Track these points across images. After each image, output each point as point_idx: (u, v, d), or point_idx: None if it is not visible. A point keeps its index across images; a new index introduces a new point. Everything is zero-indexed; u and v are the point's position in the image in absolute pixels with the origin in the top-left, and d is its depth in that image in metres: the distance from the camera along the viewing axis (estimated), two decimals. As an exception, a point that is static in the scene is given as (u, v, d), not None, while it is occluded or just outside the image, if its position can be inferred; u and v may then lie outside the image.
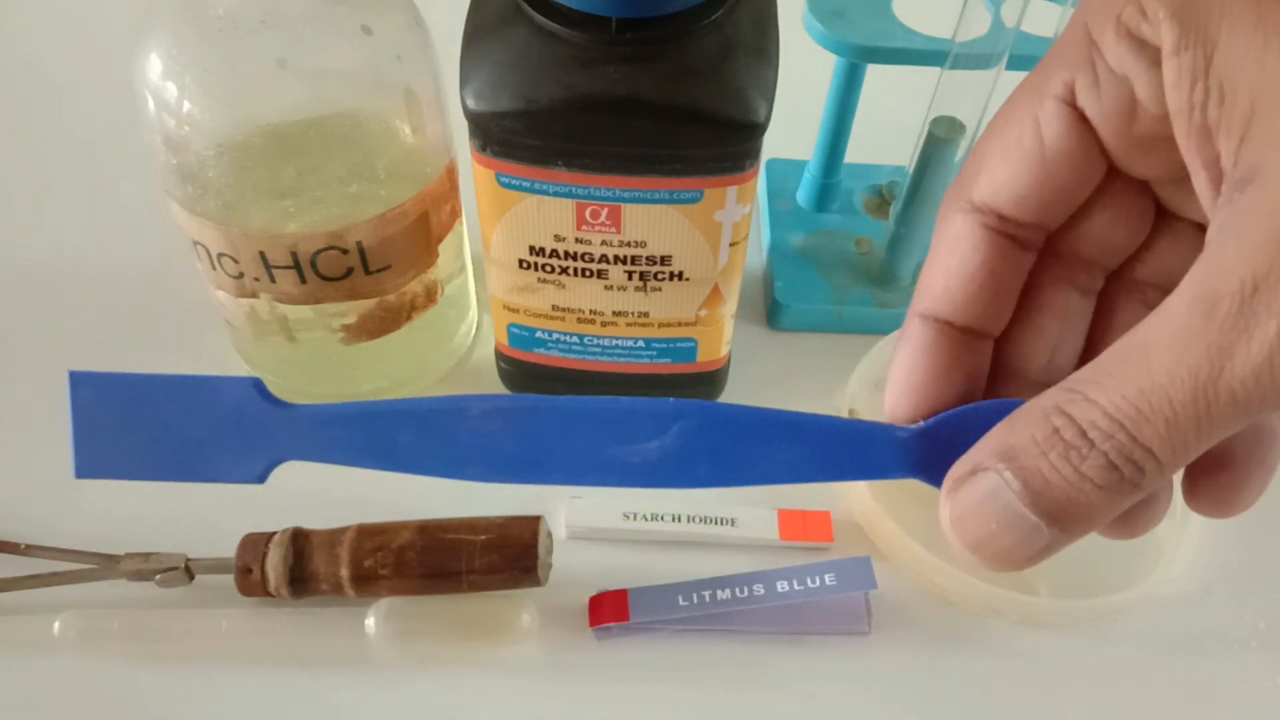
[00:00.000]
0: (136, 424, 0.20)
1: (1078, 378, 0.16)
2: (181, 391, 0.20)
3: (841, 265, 0.43)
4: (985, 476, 0.17)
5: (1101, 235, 0.19)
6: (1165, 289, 0.19)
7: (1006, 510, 0.16)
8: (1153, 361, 0.15)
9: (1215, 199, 0.16)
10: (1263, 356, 0.14)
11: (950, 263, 0.19)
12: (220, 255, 0.32)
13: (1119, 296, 0.20)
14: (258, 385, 0.19)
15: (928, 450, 0.19)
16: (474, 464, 0.19)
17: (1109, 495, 0.16)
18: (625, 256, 0.32)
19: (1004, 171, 0.18)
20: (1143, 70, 0.16)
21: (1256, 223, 0.14)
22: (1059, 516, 0.16)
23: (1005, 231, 0.18)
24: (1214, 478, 0.18)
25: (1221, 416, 0.14)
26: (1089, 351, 0.20)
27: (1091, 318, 0.20)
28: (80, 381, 0.20)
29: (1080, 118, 0.17)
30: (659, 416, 0.19)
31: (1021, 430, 0.16)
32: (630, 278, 0.33)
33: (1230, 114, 0.15)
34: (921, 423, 0.19)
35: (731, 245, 0.32)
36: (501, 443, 0.19)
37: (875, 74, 0.40)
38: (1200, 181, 0.16)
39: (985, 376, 0.20)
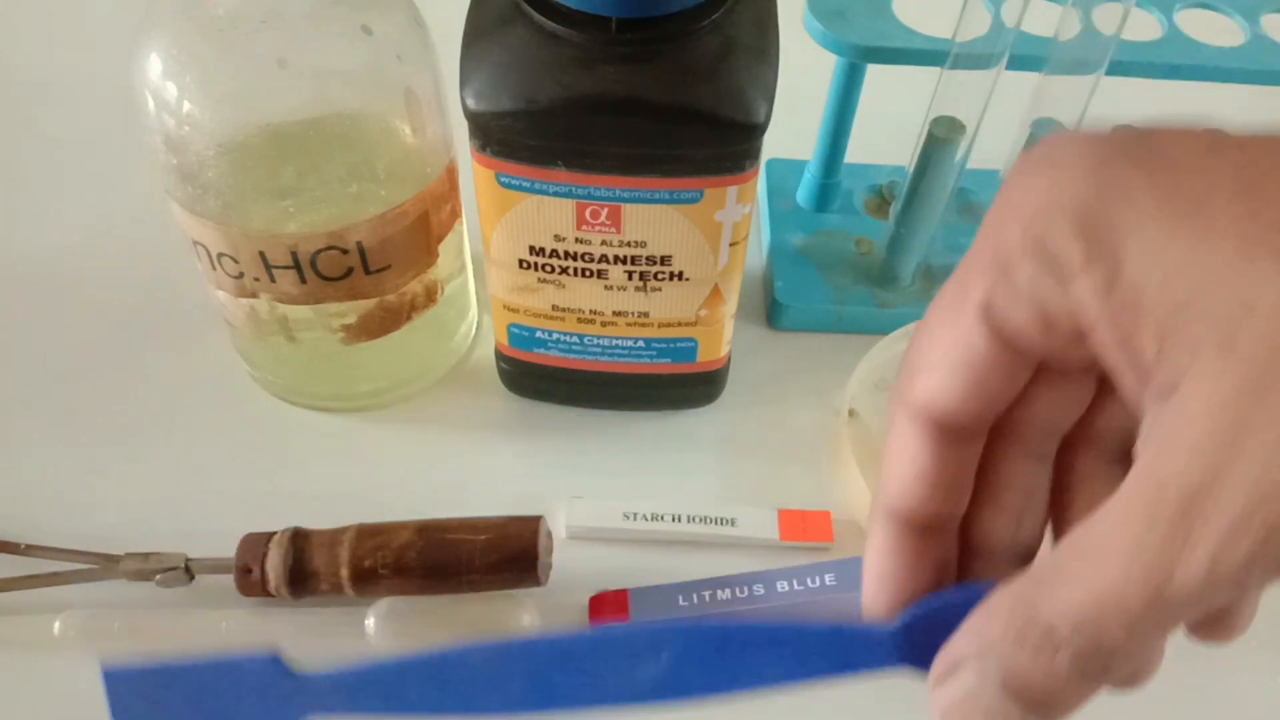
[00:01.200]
0: (169, 709, 0.22)
1: (1040, 573, 0.17)
2: (207, 674, 0.21)
3: (841, 265, 0.43)
4: (965, 674, 0.17)
5: (1046, 411, 0.20)
6: (1120, 437, 0.20)
7: (990, 705, 0.17)
8: (1106, 564, 0.15)
9: (1144, 393, 0.16)
10: (1205, 567, 0.14)
11: (901, 463, 0.19)
12: (220, 255, 0.32)
13: (1077, 450, 0.21)
14: (275, 662, 0.20)
15: (911, 643, 0.19)
16: (485, 705, 0.20)
17: (1086, 684, 0.16)
18: (625, 256, 0.32)
19: (937, 379, 0.18)
20: (1055, 284, 0.16)
21: (1184, 436, 0.15)
22: (1040, 706, 0.17)
23: (948, 429, 0.19)
24: (1203, 619, 0.18)
25: (1178, 613, 0.15)
26: (1056, 510, 0.21)
27: (1053, 476, 0.21)
28: (114, 679, 0.22)
29: (1002, 327, 0.18)
30: (647, 645, 0.20)
31: (995, 623, 0.17)
32: (630, 278, 0.33)
33: (1146, 324, 0.15)
34: (899, 618, 0.19)
35: (731, 245, 0.32)
36: (508, 683, 0.20)
37: (875, 74, 0.40)
38: (1127, 381, 0.16)
39: (954, 558, 0.21)
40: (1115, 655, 0.16)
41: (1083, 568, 0.16)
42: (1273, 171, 0.15)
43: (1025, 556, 0.20)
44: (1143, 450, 0.15)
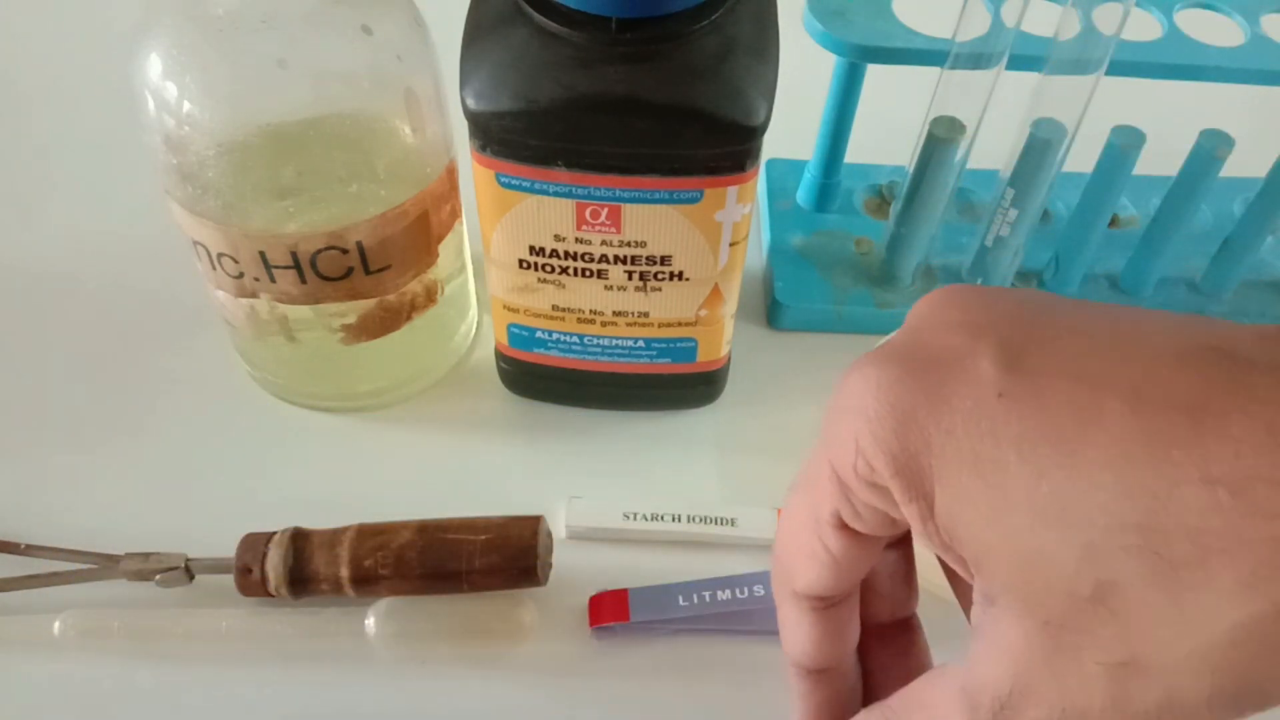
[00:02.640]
0: None
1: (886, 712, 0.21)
2: None
3: (841, 265, 0.43)
4: None
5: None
6: None
7: None
8: None
9: (973, 587, 0.18)
10: None
11: (796, 634, 0.23)
12: (220, 255, 0.32)
13: None
14: None
15: None
16: None
17: None
18: (625, 256, 0.32)
19: (811, 575, 0.21)
20: (890, 503, 0.19)
21: (1002, 651, 0.17)
22: None
23: (828, 601, 0.22)
24: None
25: None
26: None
27: None
28: None
29: (855, 531, 0.20)
30: None
31: None
32: (630, 278, 0.33)
33: (963, 552, 0.18)
34: None
35: (731, 245, 0.32)
36: None
37: (875, 74, 0.40)
38: (962, 571, 0.18)
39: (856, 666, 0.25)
40: None
41: None
42: (1054, 425, 0.16)
43: (905, 624, 0.25)
44: (973, 637, 0.18)
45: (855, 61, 0.39)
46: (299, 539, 0.32)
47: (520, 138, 0.29)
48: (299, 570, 0.31)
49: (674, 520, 0.35)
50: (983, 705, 0.17)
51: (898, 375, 0.18)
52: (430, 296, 0.36)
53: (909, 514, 0.18)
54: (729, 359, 0.38)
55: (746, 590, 0.32)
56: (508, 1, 0.29)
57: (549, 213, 0.31)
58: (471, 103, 0.29)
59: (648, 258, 0.32)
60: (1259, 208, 0.40)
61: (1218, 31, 0.38)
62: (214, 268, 0.33)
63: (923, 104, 0.37)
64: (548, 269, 0.33)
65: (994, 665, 0.17)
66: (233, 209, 0.31)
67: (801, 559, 0.22)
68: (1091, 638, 0.16)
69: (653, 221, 0.31)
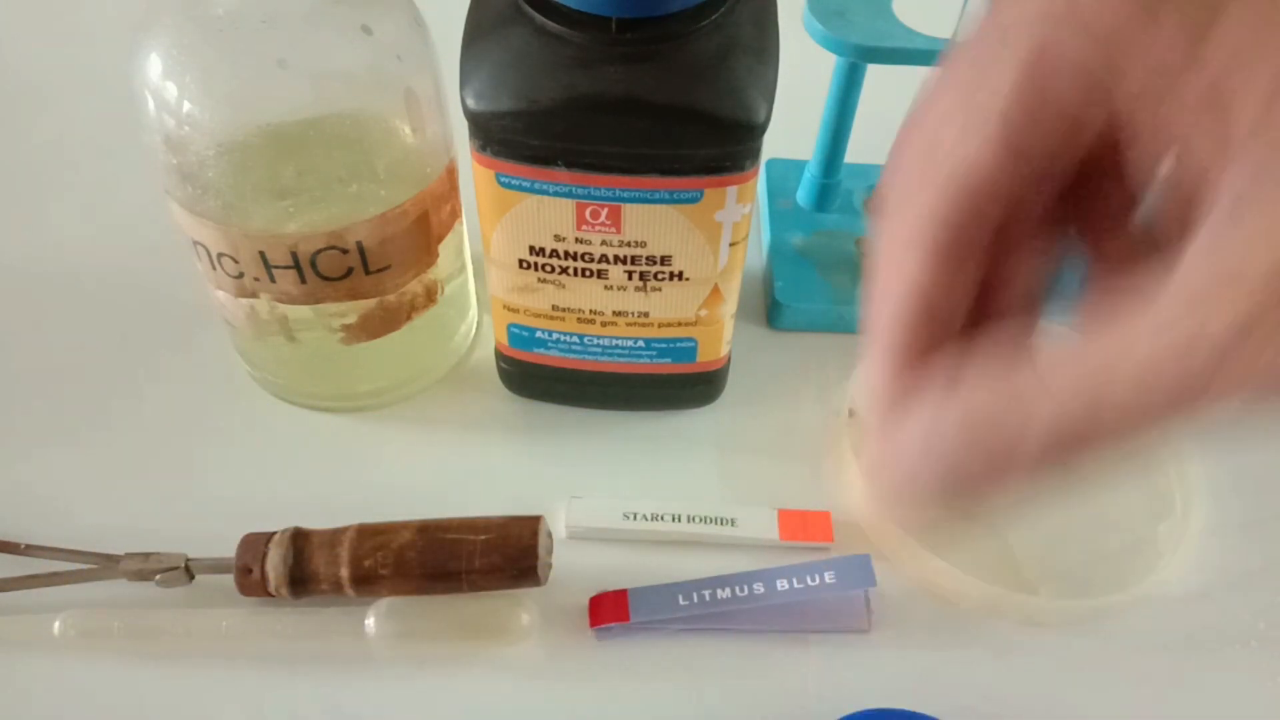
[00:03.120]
0: None
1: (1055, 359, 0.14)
2: None
3: (841, 265, 0.43)
4: (923, 409, 0.16)
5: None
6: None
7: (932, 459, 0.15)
8: (1154, 328, 0.13)
9: (1222, 164, 0.13)
10: (1249, 384, 0.13)
11: (903, 290, 0.18)
12: (220, 255, 0.32)
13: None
14: None
15: None
16: None
17: (1041, 462, 0.14)
18: (625, 256, 0.32)
19: (964, 157, 0.16)
20: (1141, 27, 0.14)
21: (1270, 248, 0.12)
22: (982, 475, 0.15)
23: (962, 237, 0.17)
24: None
25: (1191, 410, 0.13)
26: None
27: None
28: None
29: (1054, 80, 0.15)
30: None
31: (986, 385, 0.15)
32: (630, 278, 0.33)
33: (1238, 93, 0.13)
34: None
35: (731, 245, 0.32)
36: None
37: (875, 74, 0.40)
38: (1199, 144, 0.14)
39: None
40: (1099, 431, 0.14)
41: (1118, 328, 0.13)
42: None
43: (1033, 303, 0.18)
44: (1193, 253, 0.13)
45: (855, 61, 0.39)
46: (299, 539, 0.32)
47: (520, 138, 0.29)
48: (299, 570, 0.31)
49: (674, 520, 0.35)
50: (1201, 343, 0.12)
51: None
52: (430, 296, 0.36)
53: (1174, 32, 0.13)
54: (729, 359, 0.38)
55: (746, 589, 0.32)
56: (508, 1, 0.29)
57: (549, 213, 0.31)
58: (471, 103, 0.29)
59: (648, 258, 0.32)
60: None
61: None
62: (214, 268, 0.33)
63: (923, 104, 0.37)
64: (548, 269, 0.33)
65: (1230, 284, 0.12)
66: (233, 209, 0.31)
67: (951, 136, 0.16)
68: None
69: (653, 221, 0.31)
